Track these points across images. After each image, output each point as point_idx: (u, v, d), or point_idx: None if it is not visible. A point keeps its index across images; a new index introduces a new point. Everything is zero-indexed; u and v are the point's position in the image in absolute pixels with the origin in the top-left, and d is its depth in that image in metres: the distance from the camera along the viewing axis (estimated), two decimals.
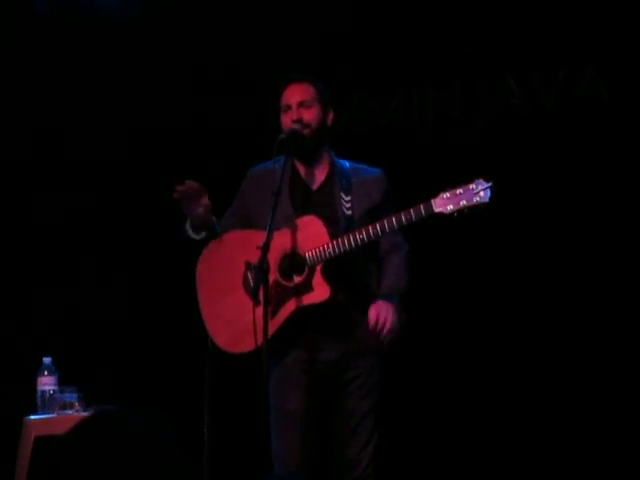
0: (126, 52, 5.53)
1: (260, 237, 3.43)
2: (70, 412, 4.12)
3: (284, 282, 3.58)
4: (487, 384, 4.93)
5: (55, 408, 4.14)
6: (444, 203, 3.45)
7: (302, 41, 5.23)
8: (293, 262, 3.58)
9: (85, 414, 4.06)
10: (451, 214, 3.45)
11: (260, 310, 3.37)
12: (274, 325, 3.54)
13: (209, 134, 5.52)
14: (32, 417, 4.14)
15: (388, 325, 3.57)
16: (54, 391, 4.18)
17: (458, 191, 3.45)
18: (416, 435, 5.00)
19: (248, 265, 3.65)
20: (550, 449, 4.82)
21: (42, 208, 5.56)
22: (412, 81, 5.21)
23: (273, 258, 3.54)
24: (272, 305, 3.52)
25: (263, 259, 3.36)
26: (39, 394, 4.19)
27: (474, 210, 3.43)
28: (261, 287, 3.38)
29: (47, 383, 4.19)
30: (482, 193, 3.42)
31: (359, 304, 3.64)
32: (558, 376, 4.81)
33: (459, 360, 4.98)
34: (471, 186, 3.44)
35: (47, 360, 4.22)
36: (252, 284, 3.59)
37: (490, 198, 3.41)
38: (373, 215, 3.60)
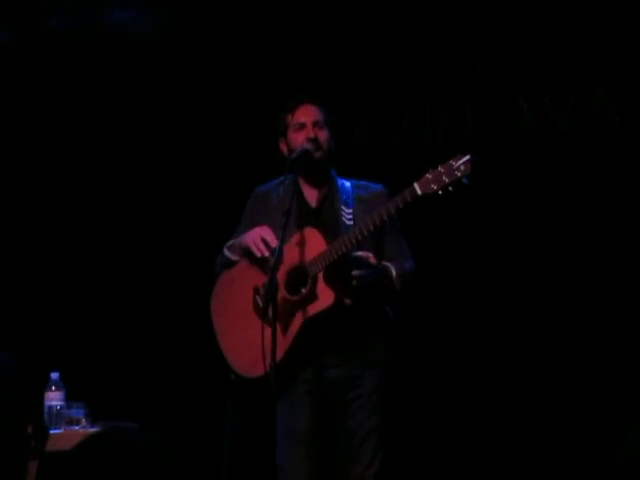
0: (139, 67, 5.56)
1: (265, 259, 3.41)
2: (77, 428, 4.11)
3: (291, 297, 3.58)
4: (493, 397, 4.94)
5: (62, 424, 4.13)
6: (428, 183, 3.44)
7: (314, 61, 5.25)
8: (299, 276, 3.58)
9: (92, 430, 4.06)
10: (436, 193, 3.43)
11: (270, 330, 3.36)
12: (286, 342, 3.54)
13: (218, 147, 5.55)
14: None
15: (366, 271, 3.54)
16: (61, 406, 4.17)
17: (440, 169, 3.44)
18: (422, 450, 5.00)
19: (256, 290, 3.67)
20: (561, 459, 4.81)
21: (50, 220, 5.58)
22: (424, 102, 5.22)
23: (279, 276, 3.53)
24: (282, 323, 3.52)
25: (272, 278, 3.36)
26: (46, 409, 4.18)
27: (458, 186, 3.41)
28: (270, 306, 3.37)
29: (54, 398, 4.18)
30: (462, 167, 3.41)
31: (369, 310, 3.64)
32: (561, 380, 4.83)
33: (463, 369, 4.99)
34: (451, 162, 3.43)
35: (55, 375, 4.21)
36: (261, 306, 3.60)
37: (470, 170, 3.38)
38: (377, 229, 3.57)
